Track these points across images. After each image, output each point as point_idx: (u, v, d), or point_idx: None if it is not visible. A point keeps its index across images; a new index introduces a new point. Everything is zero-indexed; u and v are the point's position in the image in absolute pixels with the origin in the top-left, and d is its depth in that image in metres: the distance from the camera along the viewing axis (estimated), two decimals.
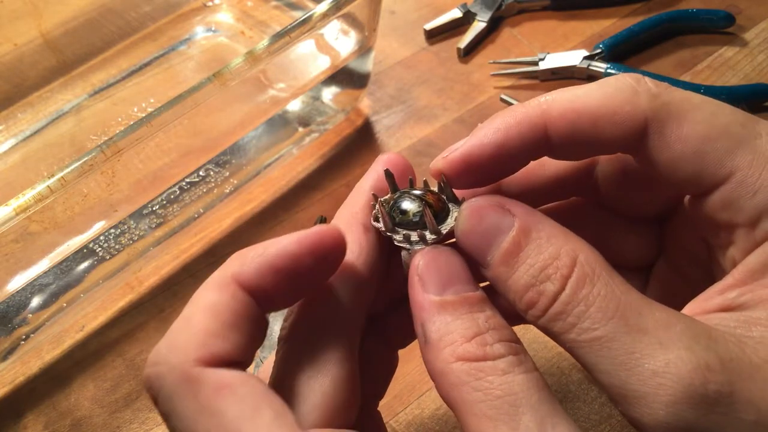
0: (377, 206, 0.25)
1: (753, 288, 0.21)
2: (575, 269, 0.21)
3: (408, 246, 0.24)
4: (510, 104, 0.51)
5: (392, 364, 0.29)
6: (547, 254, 0.21)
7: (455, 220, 0.24)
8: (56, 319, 0.41)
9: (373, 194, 0.25)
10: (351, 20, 0.45)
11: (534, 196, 0.27)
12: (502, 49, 0.56)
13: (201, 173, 0.46)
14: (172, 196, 0.45)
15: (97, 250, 0.42)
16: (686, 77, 0.52)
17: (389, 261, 0.26)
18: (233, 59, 0.38)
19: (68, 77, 0.55)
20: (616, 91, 0.23)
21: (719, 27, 0.54)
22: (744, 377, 0.19)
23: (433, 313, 0.22)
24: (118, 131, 0.35)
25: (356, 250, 0.24)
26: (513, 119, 0.23)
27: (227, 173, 0.46)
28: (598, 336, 0.20)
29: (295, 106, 0.50)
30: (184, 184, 0.45)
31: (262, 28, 0.57)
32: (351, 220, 0.25)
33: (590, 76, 0.52)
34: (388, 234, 0.24)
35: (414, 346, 0.28)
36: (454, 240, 0.24)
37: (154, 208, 0.44)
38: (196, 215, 0.46)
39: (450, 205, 0.25)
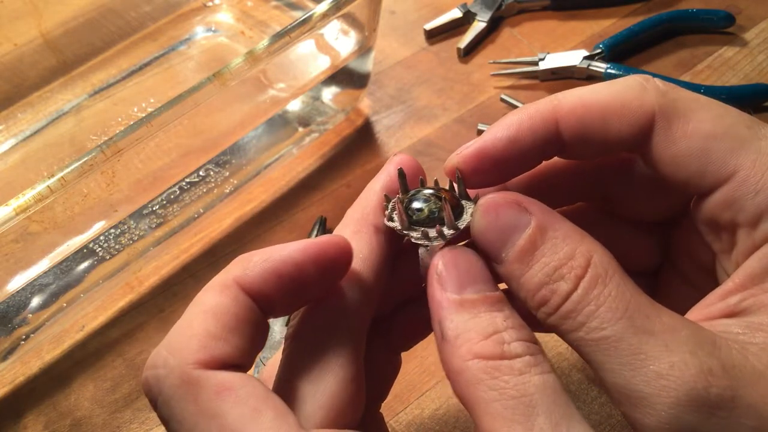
0: (392, 205, 0.25)
1: (755, 292, 0.21)
2: (589, 270, 0.21)
3: (427, 243, 0.24)
4: (510, 104, 0.51)
5: (395, 367, 0.29)
6: (562, 254, 0.21)
7: (471, 215, 0.23)
8: (56, 319, 0.41)
9: (385, 195, 0.25)
10: (351, 20, 0.45)
11: (541, 201, 0.27)
12: (502, 49, 0.56)
13: (201, 173, 0.46)
14: (172, 196, 0.45)
15: (97, 250, 0.42)
16: (686, 77, 0.52)
17: (394, 263, 0.26)
18: (233, 59, 0.38)
19: (68, 77, 0.55)
20: (625, 88, 0.23)
21: (719, 27, 0.54)
22: (746, 383, 0.19)
23: (452, 311, 0.22)
24: (118, 131, 0.35)
25: (366, 252, 0.24)
26: (525, 115, 0.24)
27: (227, 173, 0.46)
28: (606, 335, 0.20)
29: (295, 106, 0.50)
30: (184, 184, 0.45)
31: (262, 28, 0.57)
32: (362, 221, 0.25)
33: (590, 76, 0.52)
34: (405, 232, 0.24)
35: (415, 346, 0.29)
36: (467, 240, 0.24)
37: (154, 208, 0.44)
38: (196, 215, 0.46)
39: (463, 203, 0.25)
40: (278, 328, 0.40)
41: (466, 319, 0.21)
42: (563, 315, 0.21)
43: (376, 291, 0.25)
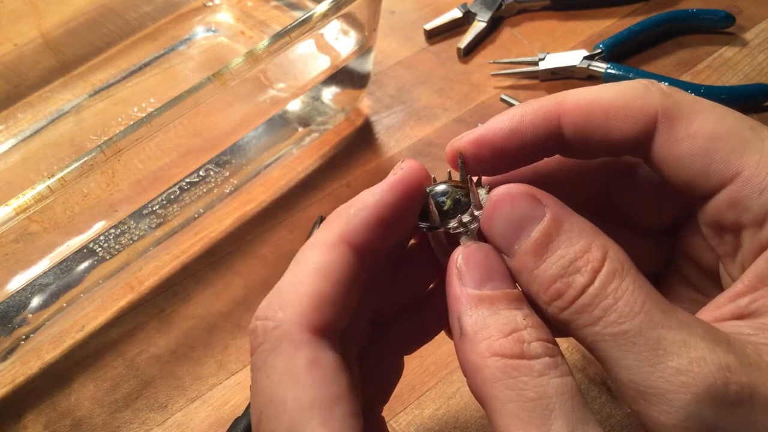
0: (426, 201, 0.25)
1: (764, 294, 0.21)
2: (606, 263, 0.21)
3: (464, 229, 0.24)
4: (510, 104, 0.51)
5: (398, 370, 0.29)
6: (578, 247, 0.21)
7: (484, 204, 0.23)
8: (56, 319, 0.41)
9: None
10: (351, 20, 0.45)
11: None
12: (502, 49, 0.56)
13: (201, 173, 0.46)
14: (172, 196, 0.45)
15: (97, 250, 0.42)
16: (686, 77, 0.52)
17: (398, 267, 0.26)
18: (233, 59, 0.38)
19: (68, 77, 0.55)
20: (629, 89, 0.23)
21: (719, 27, 0.54)
22: (763, 381, 0.19)
23: (471, 306, 0.22)
24: (118, 131, 0.35)
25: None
26: (529, 108, 0.24)
27: (227, 173, 0.46)
28: (624, 330, 0.20)
29: (295, 106, 0.50)
30: (184, 184, 0.45)
31: (262, 28, 0.57)
32: (341, 237, 0.24)
33: (590, 76, 0.52)
34: (441, 226, 0.24)
35: None
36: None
37: (154, 208, 0.44)
38: (196, 215, 0.46)
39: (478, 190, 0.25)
40: None
41: (485, 316, 0.21)
42: (578, 309, 0.21)
43: (373, 295, 0.25)
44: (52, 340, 0.42)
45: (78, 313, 0.42)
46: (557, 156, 0.26)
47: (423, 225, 0.24)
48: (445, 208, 0.24)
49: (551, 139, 0.24)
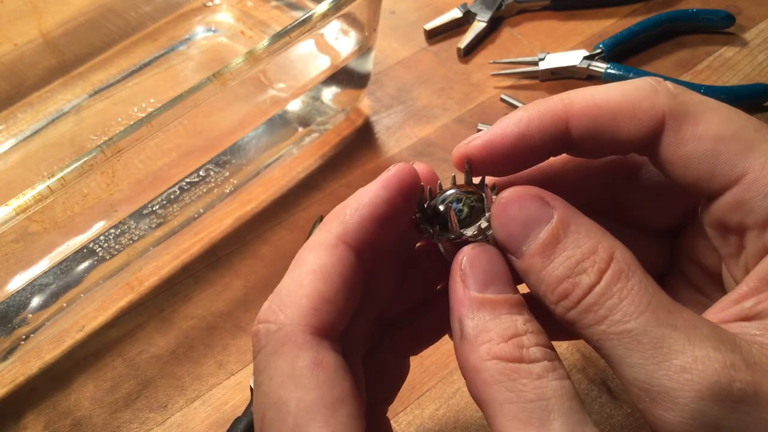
0: (423, 214, 0.25)
1: None
2: (612, 264, 0.21)
3: (483, 237, 0.24)
4: (510, 104, 0.51)
5: (403, 371, 0.29)
6: (585, 248, 0.21)
7: (491, 208, 0.24)
8: (56, 319, 0.41)
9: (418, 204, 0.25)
10: (351, 20, 0.45)
11: None
12: (502, 49, 0.56)
13: (201, 173, 0.46)
14: (172, 196, 0.45)
15: (97, 250, 0.42)
16: (686, 77, 0.52)
17: (404, 268, 0.26)
18: (233, 59, 0.38)
19: (68, 77, 0.55)
20: (637, 89, 0.23)
21: (719, 27, 0.54)
22: None
23: (473, 309, 0.22)
24: (118, 131, 0.35)
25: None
26: (536, 112, 0.24)
27: (227, 173, 0.46)
28: (629, 329, 0.20)
29: (295, 106, 0.50)
30: (184, 184, 0.45)
31: (262, 28, 0.57)
32: (340, 236, 0.24)
33: (590, 76, 0.52)
34: (460, 235, 0.24)
35: None
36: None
37: (154, 208, 0.44)
38: (196, 215, 0.46)
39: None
40: None
41: (486, 319, 0.21)
42: (585, 308, 0.21)
43: (378, 298, 0.25)
44: (52, 340, 0.42)
45: (78, 313, 0.42)
46: (563, 155, 0.26)
47: (443, 236, 0.24)
48: (463, 216, 0.24)
49: (559, 142, 0.24)
